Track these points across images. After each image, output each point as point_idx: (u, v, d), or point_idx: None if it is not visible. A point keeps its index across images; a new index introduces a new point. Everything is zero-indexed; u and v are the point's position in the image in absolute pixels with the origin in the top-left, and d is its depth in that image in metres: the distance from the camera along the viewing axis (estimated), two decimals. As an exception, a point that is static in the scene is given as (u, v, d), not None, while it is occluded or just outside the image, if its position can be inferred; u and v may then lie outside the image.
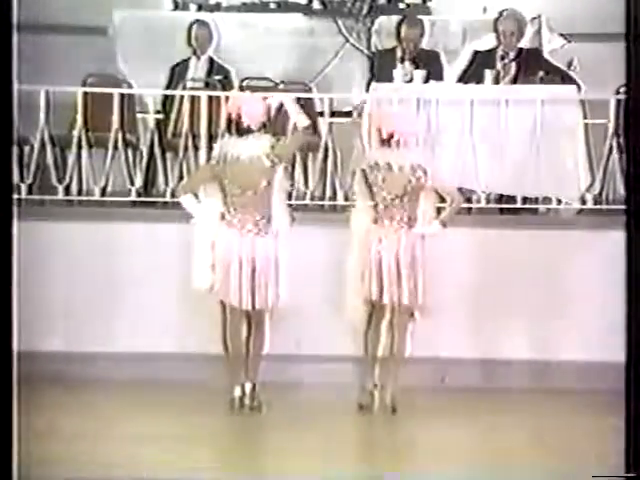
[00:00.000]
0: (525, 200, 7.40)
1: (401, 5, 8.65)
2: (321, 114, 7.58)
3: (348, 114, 7.78)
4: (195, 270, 6.06)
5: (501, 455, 5.40)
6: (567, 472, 4.91)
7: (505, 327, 6.89)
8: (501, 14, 7.89)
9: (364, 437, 6.00)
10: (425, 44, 8.13)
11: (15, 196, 4.02)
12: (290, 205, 7.56)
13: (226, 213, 6.05)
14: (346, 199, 7.43)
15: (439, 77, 7.83)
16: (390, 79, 7.83)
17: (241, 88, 7.92)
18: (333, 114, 7.61)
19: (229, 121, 6.11)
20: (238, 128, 6.05)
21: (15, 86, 3.77)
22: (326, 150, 7.56)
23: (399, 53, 8.02)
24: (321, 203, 7.54)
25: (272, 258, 6.04)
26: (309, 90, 7.84)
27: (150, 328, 6.94)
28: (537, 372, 6.87)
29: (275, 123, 6.43)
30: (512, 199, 7.41)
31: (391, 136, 6.08)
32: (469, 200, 7.42)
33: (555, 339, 6.90)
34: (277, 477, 4.98)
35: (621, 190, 7.31)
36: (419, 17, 8.28)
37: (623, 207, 7.17)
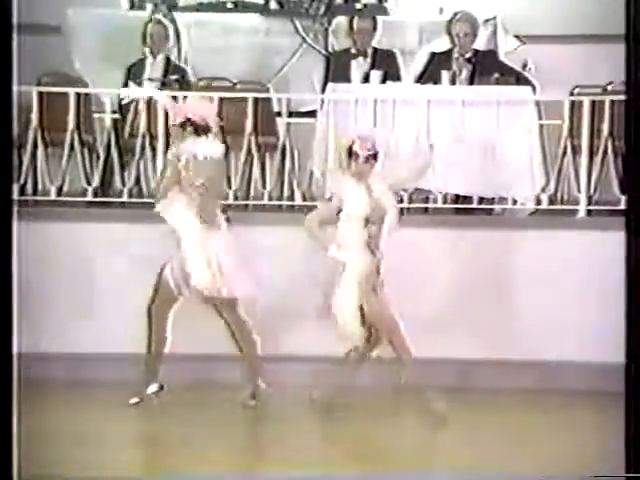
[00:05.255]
0: (481, 200, 7.46)
1: (358, 5, 8.67)
2: (279, 114, 7.60)
3: (306, 114, 7.80)
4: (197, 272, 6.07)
5: (500, 455, 5.39)
6: (567, 472, 4.88)
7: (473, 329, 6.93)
8: (454, 16, 7.94)
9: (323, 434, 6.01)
10: (381, 44, 8.17)
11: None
12: (247, 205, 7.64)
13: (200, 212, 6.09)
14: (304, 199, 7.46)
15: (396, 77, 7.87)
16: (347, 79, 7.86)
17: (198, 88, 7.90)
18: (291, 114, 7.62)
19: (187, 124, 6.14)
20: (196, 129, 6.12)
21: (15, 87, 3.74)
22: (284, 150, 7.58)
23: (353, 50, 8.08)
24: (279, 203, 7.55)
25: (230, 251, 6.12)
26: (266, 90, 7.84)
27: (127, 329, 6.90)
28: (537, 373, 6.88)
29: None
30: (468, 199, 7.46)
31: None
32: (426, 200, 7.47)
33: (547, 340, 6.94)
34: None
35: (575, 191, 7.39)
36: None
37: (577, 207, 7.33)
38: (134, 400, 6.22)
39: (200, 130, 6.13)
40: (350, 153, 5.99)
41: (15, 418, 3.76)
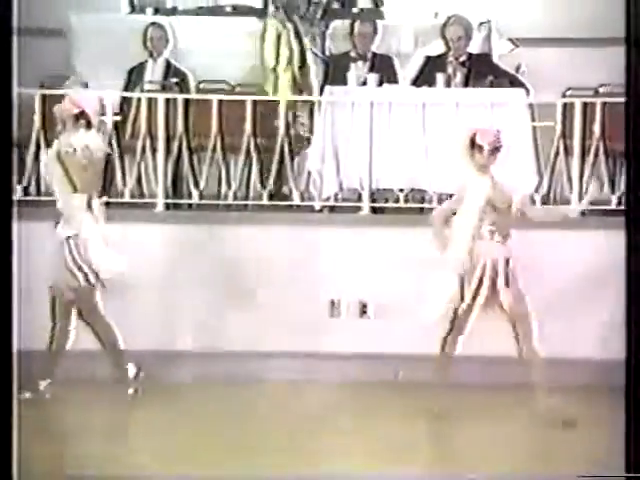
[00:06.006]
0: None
1: (354, 9, 8.77)
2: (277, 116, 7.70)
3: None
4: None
5: (500, 454, 5.41)
6: (567, 472, 4.89)
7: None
8: (447, 20, 8.06)
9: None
10: (378, 48, 8.27)
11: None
12: (246, 205, 7.75)
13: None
14: (302, 199, 7.57)
15: (393, 81, 7.97)
16: (344, 82, 7.97)
17: (198, 91, 8.01)
18: (289, 116, 7.72)
19: (81, 116, 6.36)
20: (88, 122, 6.37)
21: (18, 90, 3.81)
22: (282, 151, 7.68)
23: (353, 53, 8.18)
24: (278, 203, 7.65)
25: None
26: (265, 93, 7.94)
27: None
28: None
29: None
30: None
31: None
32: (422, 200, 7.58)
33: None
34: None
35: (567, 191, 7.51)
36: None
37: (569, 207, 7.42)
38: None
39: (91, 123, 6.34)
40: (472, 145, 6.11)
41: (15, 417, 3.79)
